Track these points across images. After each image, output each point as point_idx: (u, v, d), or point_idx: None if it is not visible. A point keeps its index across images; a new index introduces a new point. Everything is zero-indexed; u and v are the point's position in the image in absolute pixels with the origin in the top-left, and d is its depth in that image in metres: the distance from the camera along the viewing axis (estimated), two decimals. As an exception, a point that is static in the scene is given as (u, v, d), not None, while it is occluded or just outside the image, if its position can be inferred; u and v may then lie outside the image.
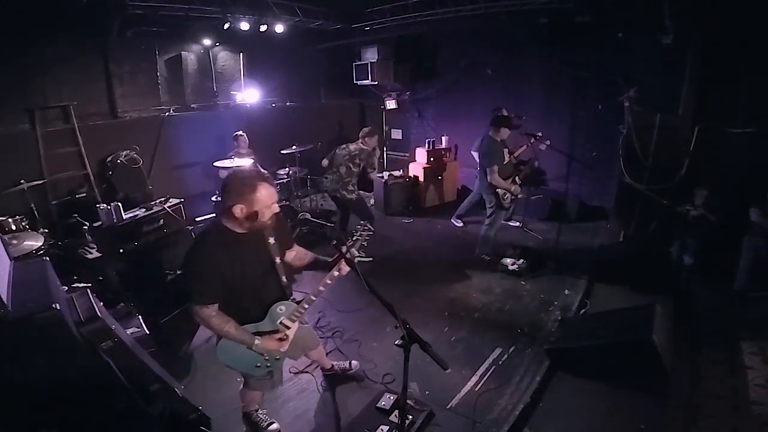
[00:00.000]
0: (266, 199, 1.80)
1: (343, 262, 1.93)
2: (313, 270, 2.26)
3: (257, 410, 2.49)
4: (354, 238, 1.93)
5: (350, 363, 2.98)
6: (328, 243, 1.85)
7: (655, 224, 4.59)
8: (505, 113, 5.07)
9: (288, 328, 2.03)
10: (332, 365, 2.91)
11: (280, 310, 2.02)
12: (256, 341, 1.94)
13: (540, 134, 4.64)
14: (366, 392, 2.80)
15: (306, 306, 2.03)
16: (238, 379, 2.88)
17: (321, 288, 1.99)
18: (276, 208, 1.87)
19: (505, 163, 4.43)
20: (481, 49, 6.38)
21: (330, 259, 2.09)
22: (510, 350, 3.23)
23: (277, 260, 2.00)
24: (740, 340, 3.17)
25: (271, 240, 1.98)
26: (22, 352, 1.61)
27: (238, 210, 1.78)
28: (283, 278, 2.04)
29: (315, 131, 7.14)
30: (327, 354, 3.06)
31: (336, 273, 1.98)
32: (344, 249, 1.89)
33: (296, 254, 2.27)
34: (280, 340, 2.01)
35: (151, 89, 5.82)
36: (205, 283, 1.81)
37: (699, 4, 3.92)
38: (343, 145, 4.78)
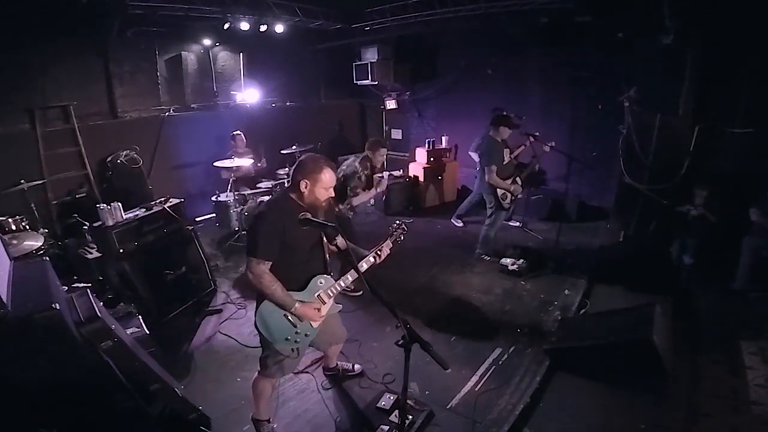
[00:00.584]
0: (327, 181, 2.10)
1: (384, 249, 2.31)
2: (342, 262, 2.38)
3: (269, 421, 2.43)
4: (390, 233, 2.37)
5: (353, 366, 2.97)
6: (330, 242, 1.90)
7: (655, 224, 4.59)
8: (505, 113, 5.07)
9: (323, 303, 2.22)
10: (336, 364, 2.91)
11: (320, 283, 2.22)
12: (297, 305, 2.10)
13: (538, 133, 4.64)
14: (366, 392, 2.80)
15: (342, 284, 2.24)
16: (238, 379, 2.89)
17: (363, 264, 2.24)
18: (331, 192, 2.16)
19: (505, 163, 4.43)
20: (481, 49, 6.38)
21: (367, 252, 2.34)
22: (510, 350, 3.23)
23: (324, 239, 2.20)
24: (740, 340, 3.17)
25: (321, 218, 2.14)
26: (22, 352, 1.61)
27: (304, 185, 2.07)
28: (327, 255, 2.27)
29: (315, 131, 7.15)
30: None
31: (372, 259, 2.29)
32: (384, 244, 2.30)
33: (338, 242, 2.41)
34: (317, 310, 2.19)
35: (151, 89, 5.82)
36: (267, 240, 2.03)
37: (699, 4, 3.91)
38: (348, 159, 4.07)
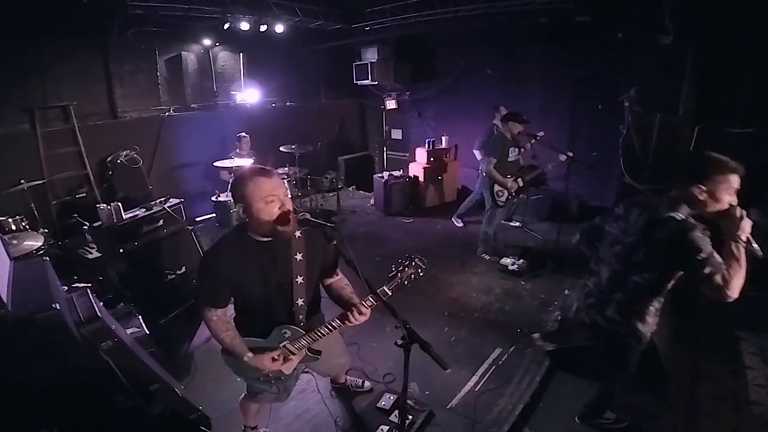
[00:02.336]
0: (256, 193, 1.61)
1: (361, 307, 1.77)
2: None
3: (255, 428, 2.37)
4: (391, 275, 1.75)
5: (363, 383, 2.83)
6: (329, 243, 1.79)
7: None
8: (504, 111, 5.06)
9: (292, 353, 1.90)
10: (345, 380, 2.81)
11: (284, 333, 1.87)
12: (247, 356, 1.82)
13: (542, 134, 4.62)
14: (366, 392, 2.80)
15: (311, 338, 1.88)
16: (238, 379, 2.88)
17: (333, 324, 1.84)
18: (283, 204, 1.65)
19: (510, 160, 4.41)
20: (481, 49, 6.38)
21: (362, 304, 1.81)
22: (510, 350, 3.23)
23: (298, 280, 1.80)
24: (740, 340, 3.17)
25: (298, 256, 1.78)
26: (22, 352, 1.61)
27: (240, 211, 1.67)
28: (299, 301, 1.84)
29: (315, 131, 7.16)
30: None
31: (355, 320, 1.79)
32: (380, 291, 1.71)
33: (335, 283, 1.99)
34: (274, 360, 1.86)
35: (151, 89, 5.82)
36: (208, 286, 1.77)
37: (699, 4, 3.92)
38: None
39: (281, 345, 1.88)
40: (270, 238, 1.71)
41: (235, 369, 2.01)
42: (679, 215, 1.80)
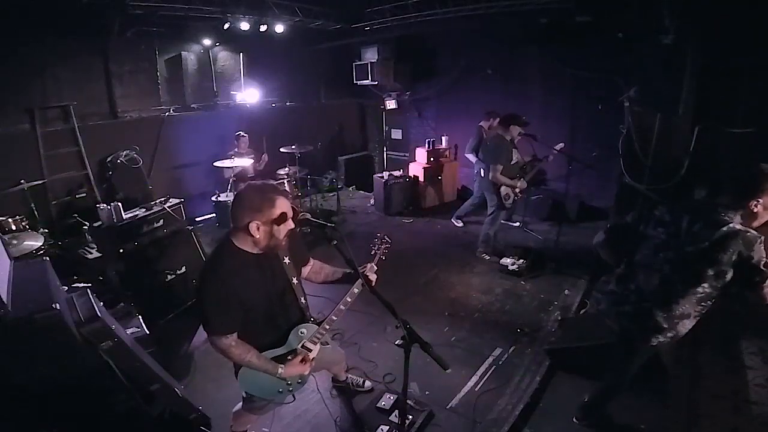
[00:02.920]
0: (284, 212, 1.66)
1: (369, 273, 1.95)
2: (331, 284, 2.19)
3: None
4: (373, 254, 2.01)
5: (364, 382, 2.84)
6: (329, 243, 1.82)
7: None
8: (496, 116, 5.07)
9: (310, 351, 1.94)
10: (346, 378, 2.82)
11: (302, 333, 1.93)
12: (280, 370, 1.83)
13: (539, 136, 4.62)
14: (366, 392, 2.80)
15: (327, 327, 1.96)
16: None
17: (342, 307, 1.93)
18: (291, 224, 1.70)
19: (513, 163, 4.41)
20: (481, 49, 6.39)
21: (348, 271, 2.02)
22: (510, 350, 3.23)
23: (294, 281, 1.89)
24: (740, 340, 3.16)
25: (286, 260, 1.86)
26: (22, 352, 1.61)
27: (254, 227, 1.62)
28: (302, 299, 1.94)
29: (315, 131, 7.15)
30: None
31: (356, 290, 1.93)
32: (360, 268, 1.88)
33: (311, 268, 2.15)
34: (303, 362, 1.91)
35: (151, 89, 5.82)
36: (222, 313, 1.68)
37: (699, 4, 3.91)
38: None
39: (300, 345, 1.92)
40: (261, 251, 1.73)
41: (258, 391, 1.96)
42: (739, 226, 1.80)
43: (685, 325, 2.01)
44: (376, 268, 2.01)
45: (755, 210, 1.80)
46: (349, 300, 1.94)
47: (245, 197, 1.67)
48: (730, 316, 3.50)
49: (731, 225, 1.79)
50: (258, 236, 1.65)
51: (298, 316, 1.95)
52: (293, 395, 2.04)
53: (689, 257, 1.89)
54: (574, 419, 2.54)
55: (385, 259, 2.07)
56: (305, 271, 2.11)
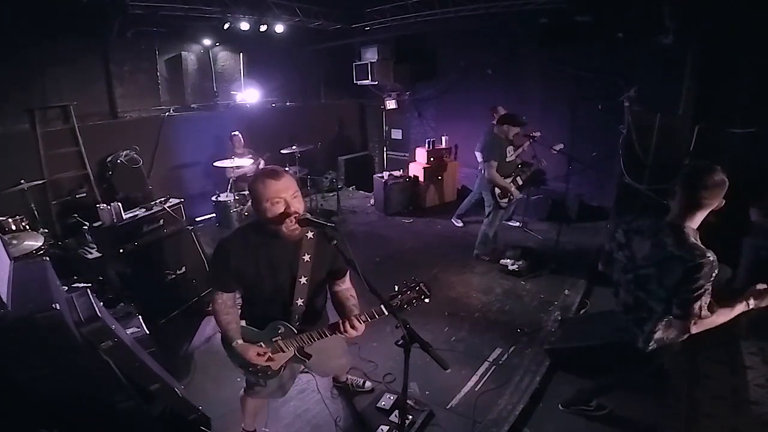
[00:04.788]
0: (264, 192, 1.67)
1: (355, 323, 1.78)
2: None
3: None
4: (394, 298, 1.67)
5: (365, 383, 2.83)
6: (329, 243, 1.80)
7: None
8: (501, 110, 5.05)
9: (282, 351, 1.93)
10: (347, 378, 2.82)
11: (279, 329, 1.91)
12: (237, 342, 1.88)
13: (538, 133, 4.62)
14: (367, 392, 2.80)
15: (304, 339, 1.89)
16: (238, 379, 2.88)
17: (327, 333, 1.86)
18: (288, 206, 1.69)
19: (508, 161, 4.40)
20: (481, 49, 6.38)
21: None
22: (510, 350, 3.23)
23: (302, 280, 1.84)
24: (740, 340, 3.17)
25: (306, 257, 1.82)
26: (22, 352, 1.61)
27: (255, 208, 1.77)
28: (299, 301, 1.87)
29: (315, 131, 7.16)
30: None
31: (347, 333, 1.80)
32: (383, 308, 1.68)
33: (341, 291, 2.00)
34: (259, 355, 1.87)
35: (151, 89, 5.82)
36: (216, 271, 1.90)
37: (699, 4, 3.92)
38: None
39: (273, 340, 1.92)
40: (277, 232, 1.74)
41: (230, 356, 2.03)
42: (681, 251, 1.82)
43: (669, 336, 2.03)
44: (369, 322, 1.81)
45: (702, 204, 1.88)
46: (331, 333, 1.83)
47: (251, 180, 1.80)
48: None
49: (670, 248, 1.85)
50: (259, 215, 1.75)
51: (284, 313, 1.90)
52: (264, 382, 2.05)
53: (642, 279, 1.99)
54: (560, 406, 2.60)
55: (408, 309, 1.67)
56: (334, 287, 2.01)
